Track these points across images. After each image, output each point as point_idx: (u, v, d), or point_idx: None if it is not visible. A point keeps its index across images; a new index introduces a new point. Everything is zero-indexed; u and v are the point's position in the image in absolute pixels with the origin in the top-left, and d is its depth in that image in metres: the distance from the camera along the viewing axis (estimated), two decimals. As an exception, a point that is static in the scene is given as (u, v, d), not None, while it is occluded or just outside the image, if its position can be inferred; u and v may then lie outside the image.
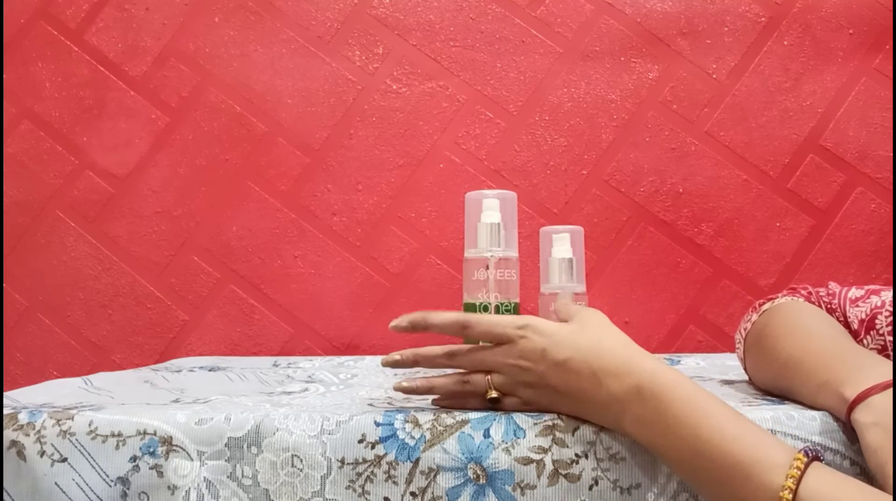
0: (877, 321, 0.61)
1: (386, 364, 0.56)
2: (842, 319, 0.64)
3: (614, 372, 0.50)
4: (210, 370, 0.86)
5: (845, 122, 1.11)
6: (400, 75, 1.14)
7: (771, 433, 0.48)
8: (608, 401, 0.50)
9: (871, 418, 0.47)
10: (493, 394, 0.54)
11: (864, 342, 0.62)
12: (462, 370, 0.56)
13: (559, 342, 0.52)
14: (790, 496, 0.42)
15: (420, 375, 0.59)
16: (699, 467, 0.46)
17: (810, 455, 0.44)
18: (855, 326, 0.63)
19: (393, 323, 0.56)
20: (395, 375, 0.79)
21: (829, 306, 0.65)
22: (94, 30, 1.16)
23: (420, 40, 1.15)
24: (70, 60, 1.16)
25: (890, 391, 0.47)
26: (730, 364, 0.88)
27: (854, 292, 0.65)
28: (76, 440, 0.53)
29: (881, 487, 0.44)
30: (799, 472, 0.43)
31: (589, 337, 0.53)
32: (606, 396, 0.50)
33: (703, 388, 0.49)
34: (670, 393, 0.48)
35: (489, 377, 0.54)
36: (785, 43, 1.13)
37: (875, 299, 0.63)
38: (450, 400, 0.57)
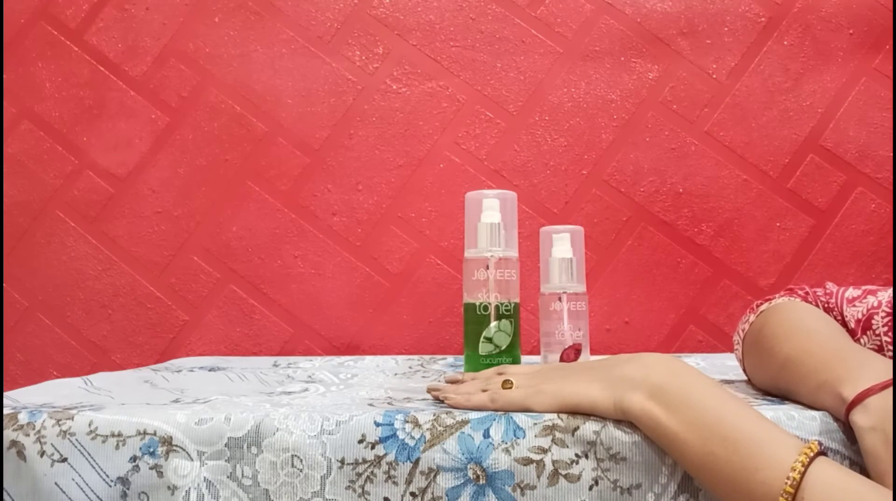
0: (873, 322, 0.61)
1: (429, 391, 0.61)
2: (839, 318, 0.64)
3: (631, 358, 0.54)
4: (210, 370, 0.86)
5: (845, 122, 1.11)
6: (400, 75, 1.14)
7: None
8: (621, 376, 0.52)
9: (870, 422, 0.46)
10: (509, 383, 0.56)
11: (861, 342, 0.61)
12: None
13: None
14: (805, 460, 0.44)
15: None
16: (712, 439, 0.47)
17: (822, 447, 0.46)
18: (851, 325, 0.62)
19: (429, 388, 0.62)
20: (396, 375, 0.81)
21: (826, 305, 0.65)
22: (94, 30, 1.16)
23: (420, 40, 1.15)
24: (70, 60, 1.16)
25: (888, 392, 0.47)
26: (730, 364, 0.88)
27: (851, 291, 0.65)
28: (76, 440, 0.53)
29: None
30: (811, 452, 0.44)
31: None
32: (623, 371, 0.52)
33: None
34: (696, 375, 0.51)
35: (508, 379, 0.57)
36: (785, 43, 1.13)
37: (872, 300, 0.62)
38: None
